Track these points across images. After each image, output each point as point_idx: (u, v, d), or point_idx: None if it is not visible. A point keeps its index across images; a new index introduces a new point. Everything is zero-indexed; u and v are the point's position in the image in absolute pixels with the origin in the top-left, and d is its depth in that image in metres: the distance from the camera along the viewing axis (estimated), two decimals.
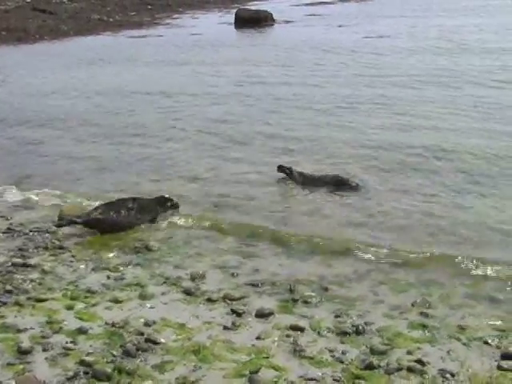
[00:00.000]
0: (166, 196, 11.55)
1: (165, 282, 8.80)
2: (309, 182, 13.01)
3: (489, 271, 8.98)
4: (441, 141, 14.80)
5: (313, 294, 8.41)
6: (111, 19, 44.93)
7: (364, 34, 32.31)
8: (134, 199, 11.14)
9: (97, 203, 11.50)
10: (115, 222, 10.71)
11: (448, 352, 6.99)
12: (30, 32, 37.93)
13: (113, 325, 7.56)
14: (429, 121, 16.62)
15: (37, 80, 25.18)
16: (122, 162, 14.89)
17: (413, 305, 8.07)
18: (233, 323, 7.64)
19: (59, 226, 10.75)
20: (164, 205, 11.37)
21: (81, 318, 7.78)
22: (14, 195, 12.79)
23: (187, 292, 8.48)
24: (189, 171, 13.97)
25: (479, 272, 8.98)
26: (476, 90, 19.51)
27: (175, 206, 11.46)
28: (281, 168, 13.28)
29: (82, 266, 9.40)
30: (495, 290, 8.48)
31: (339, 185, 12.65)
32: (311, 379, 6.47)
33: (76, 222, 10.73)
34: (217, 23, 41.41)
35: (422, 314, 7.84)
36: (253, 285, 8.70)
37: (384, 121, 16.95)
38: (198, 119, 18.23)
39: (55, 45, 35.41)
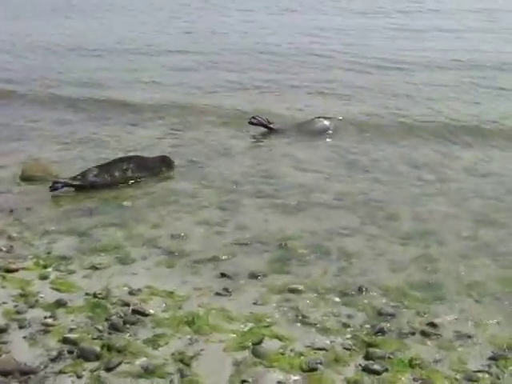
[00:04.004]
0: (166, 155, 11.02)
1: (144, 244, 8.13)
2: (289, 131, 12.49)
3: None
4: None
5: (305, 251, 7.84)
6: None
7: None
8: (130, 159, 10.59)
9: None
10: (109, 183, 10.15)
11: (460, 311, 6.51)
12: None
13: (94, 295, 6.86)
14: None
15: None
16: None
17: (414, 259, 7.57)
18: (225, 288, 7.03)
19: (54, 189, 9.93)
20: (163, 164, 10.81)
21: (58, 289, 7.04)
22: None
23: (170, 254, 7.84)
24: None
25: None
26: None
27: (171, 166, 10.88)
28: (255, 119, 12.65)
29: (53, 229, 8.66)
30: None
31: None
32: (320, 349, 5.89)
33: (71, 185, 10.03)
34: None
35: (425, 269, 7.35)
36: (240, 244, 8.09)
37: None
38: None
39: None
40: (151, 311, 6.53)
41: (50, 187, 9.91)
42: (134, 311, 6.52)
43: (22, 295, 6.92)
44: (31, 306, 6.69)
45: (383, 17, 26.98)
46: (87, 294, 6.92)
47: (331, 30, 24.12)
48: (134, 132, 13.30)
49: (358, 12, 28.77)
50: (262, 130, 12.74)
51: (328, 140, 12.16)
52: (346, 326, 6.29)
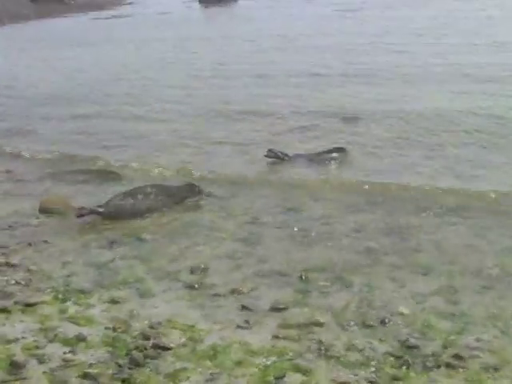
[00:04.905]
0: (193, 183, 11.09)
1: (164, 277, 8.06)
2: (303, 162, 12.51)
3: None
4: None
5: (327, 283, 7.74)
6: (72, 1, 44.24)
7: None
8: (154, 185, 10.69)
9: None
10: (134, 207, 10.22)
11: (486, 343, 6.37)
12: None
13: (114, 329, 6.80)
14: None
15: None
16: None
17: (438, 290, 7.44)
18: (246, 321, 6.93)
19: (80, 215, 10.01)
20: (190, 191, 10.85)
21: (77, 323, 6.99)
22: None
23: (191, 287, 7.76)
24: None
25: None
26: None
27: (198, 193, 10.91)
28: (272, 152, 12.66)
29: (71, 262, 8.62)
30: None
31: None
32: (344, 383, 5.79)
33: (97, 212, 10.11)
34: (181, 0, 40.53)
35: (449, 300, 7.22)
36: (260, 276, 8.01)
37: None
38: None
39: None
40: (172, 345, 6.45)
41: (76, 214, 9.98)
42: (155, 345, 6.43)
43: (41, 329, 6.87)
44: (50, 341, 6.64)
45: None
46: (107, 328, 6.85)
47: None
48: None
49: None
50: (278, 161, 12.70)
51: (343, 170, 12.08)
52: (369, 358, 6.17)
